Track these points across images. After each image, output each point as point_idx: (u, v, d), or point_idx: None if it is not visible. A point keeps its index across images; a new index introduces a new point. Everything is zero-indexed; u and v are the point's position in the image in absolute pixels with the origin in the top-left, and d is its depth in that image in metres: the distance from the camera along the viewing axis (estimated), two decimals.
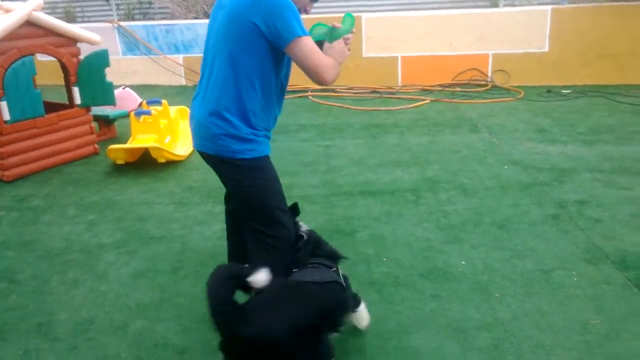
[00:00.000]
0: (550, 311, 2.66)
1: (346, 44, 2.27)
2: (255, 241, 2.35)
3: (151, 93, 8.28)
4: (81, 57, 5.16)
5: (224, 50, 2.17)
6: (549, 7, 7.86)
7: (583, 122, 5.90)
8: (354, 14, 8.85)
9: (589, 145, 5.11)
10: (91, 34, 5.17)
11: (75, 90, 5.12)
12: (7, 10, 4.58)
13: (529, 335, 2.49)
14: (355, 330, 2.52)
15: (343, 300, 2.31)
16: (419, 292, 2.85)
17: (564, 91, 7.56)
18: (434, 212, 3.77)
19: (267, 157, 2.34)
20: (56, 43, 4.90)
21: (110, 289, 3.02)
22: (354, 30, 2.29)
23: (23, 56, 4.59)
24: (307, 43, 2.09)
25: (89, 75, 5.14)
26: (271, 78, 2.23)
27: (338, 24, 2.29)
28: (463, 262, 3.12)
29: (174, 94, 8.22)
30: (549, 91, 7.62)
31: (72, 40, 5.03)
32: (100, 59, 5.21)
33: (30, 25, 4.65)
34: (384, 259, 3.19)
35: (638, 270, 2.98)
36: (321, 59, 2.12)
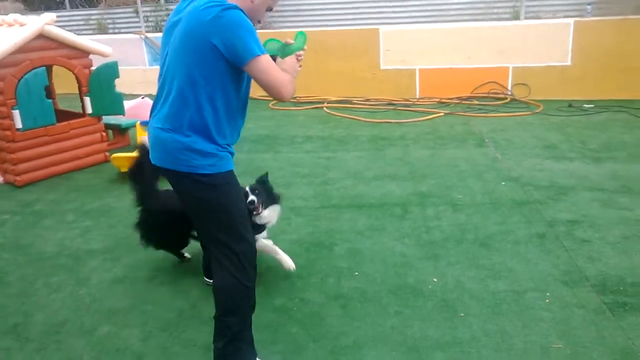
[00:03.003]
0: (513, 333, 2.60)
1: (298, 60, 2.29)
2: (219, 256, 2.30)
3: None
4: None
5: (182, 69, 2.18)
6: (571, 20, 7.67)
7: (596, 138, 5.72)
8: (372, 27, 8.66)
9: (596, 162, 4.95)
10: (102, 47, 5.38)
11: (87, 100, 5.33)
12: (22, 24, 4.83)
13: (485, 356, 2.45)
14: (308, 347, 2.54)
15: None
16: (383, 308, 2.84)
17: (586, 106, 7.34)
18: (418, 228, 3.74)
19: (229, 173, 2.30)
20: (68, 55, 5.12)
21: (88, 293, 3.13)
22: (305, 47, 2.31)
23: (35, 68, 4.82)
24: (265, 61, 2.12)
25: (99, 86, 5.34)
26: (231, 95, 2.24)
27: (291, 40, 2.31)
28: (435, 279, 3.08)
29: None
30: (570, 105, 7.42)
31: (84, 53, 5.25)
32: (110, 71, 5.40)
33: (43, 38, 4.88)
34: (356, 273, 3.18)
35: (617, 294, 2.89)
36: (279, 75, 2.16)
